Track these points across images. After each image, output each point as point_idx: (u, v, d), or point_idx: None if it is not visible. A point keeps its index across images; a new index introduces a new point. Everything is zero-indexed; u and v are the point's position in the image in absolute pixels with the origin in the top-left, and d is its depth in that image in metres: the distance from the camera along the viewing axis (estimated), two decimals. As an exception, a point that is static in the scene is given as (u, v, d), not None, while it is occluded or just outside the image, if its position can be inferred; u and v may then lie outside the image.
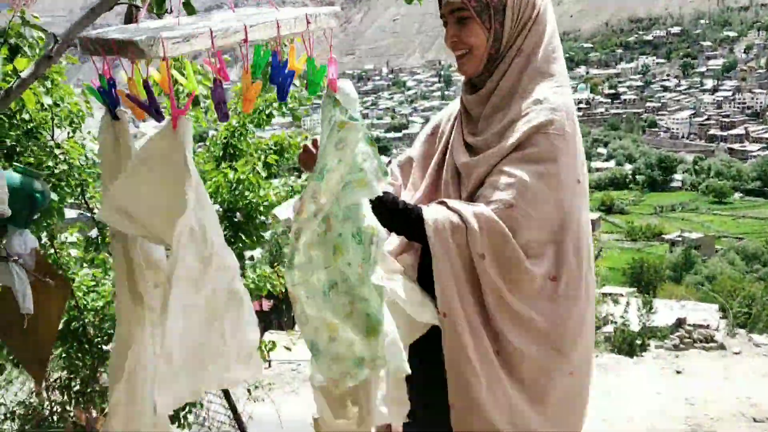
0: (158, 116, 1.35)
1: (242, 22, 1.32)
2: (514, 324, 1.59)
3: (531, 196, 1.58)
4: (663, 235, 62.17)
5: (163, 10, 2.89)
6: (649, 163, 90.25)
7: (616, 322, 14.52)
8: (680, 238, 56.46)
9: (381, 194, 1.50)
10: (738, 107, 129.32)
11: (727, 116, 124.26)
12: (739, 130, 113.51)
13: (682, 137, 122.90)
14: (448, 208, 1.63)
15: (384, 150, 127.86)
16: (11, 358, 3.70)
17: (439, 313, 1.61)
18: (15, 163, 2.66)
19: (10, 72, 2.45)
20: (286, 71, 1.41)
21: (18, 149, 3.35)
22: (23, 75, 2.37)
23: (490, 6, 1.64)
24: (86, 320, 3.99)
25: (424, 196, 1.82)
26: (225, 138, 4.27)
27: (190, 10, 2.97)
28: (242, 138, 4.28)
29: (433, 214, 1.62)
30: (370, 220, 1.46)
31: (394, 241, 1.79)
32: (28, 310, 2.26)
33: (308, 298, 1.48)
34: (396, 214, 1.64)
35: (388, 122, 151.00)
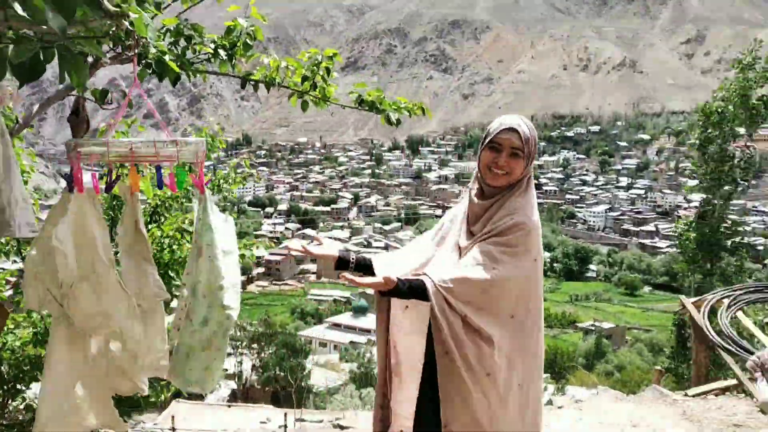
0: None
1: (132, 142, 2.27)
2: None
3: (496, 264, 2.44)
4: (577, 323, 63.89)
5: (106, 101, 3.62)
6: (567, 253, 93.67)
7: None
8: (593, 327, 58.02)
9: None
10: (649, 205, 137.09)
11: (640, 213, 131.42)
12: (650, 227, 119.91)
13: (598, 230, 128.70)
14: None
15: (311, 222, 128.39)
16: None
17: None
18: None
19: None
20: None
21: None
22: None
23: (530, 155, 2.57)
24: (2, 358, 4.44)
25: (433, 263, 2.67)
26: (154, 207, 5.03)
27: (129, 103, 3.71)
28: (169, 208, 5.05)
29: (430, 283, 2.43)
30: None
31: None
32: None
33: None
34: (411, 291, 2.43)
35: (318, 196, 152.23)
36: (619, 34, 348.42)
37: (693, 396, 5.42)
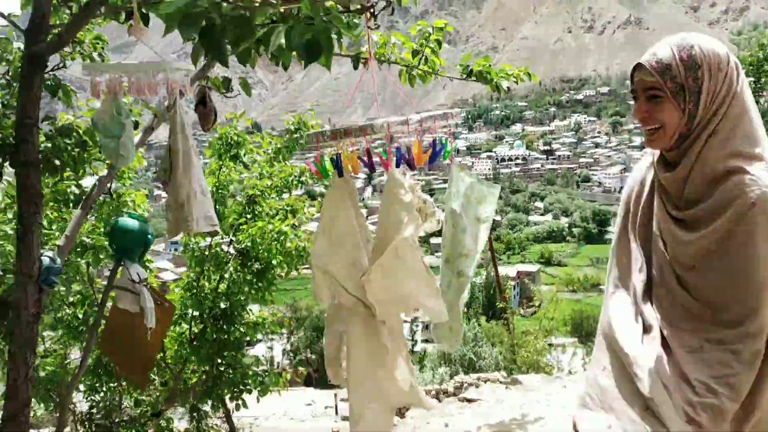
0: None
1: (413, 117, 2.27)
2: None
3: None
4: (600, 286, 63.92)
5: (230, 90, 3.59)
6: (585, 216, 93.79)
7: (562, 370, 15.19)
8: (617, 288, 58.09)
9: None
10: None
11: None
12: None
13: (614, 191, 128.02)
14: None
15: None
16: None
17: None
18: (130, 212, 3.28)
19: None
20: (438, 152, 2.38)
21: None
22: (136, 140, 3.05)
23: (685, 88, 1.66)
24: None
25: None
26: (249, 196, 5.02)
27: (247, 90, 3.68)
28: (263, 200, 5.05)
29: None
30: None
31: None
32: (152, 324, 2.86)
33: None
34: None
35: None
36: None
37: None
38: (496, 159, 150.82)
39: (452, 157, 2.43)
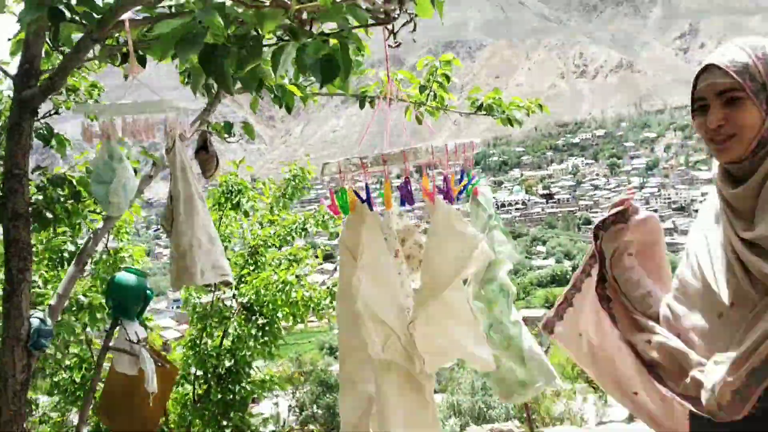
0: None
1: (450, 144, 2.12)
2: None
3: None
4: (608, 329, 63.28)
5: (232, 134, 3.43)
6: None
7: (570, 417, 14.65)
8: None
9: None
10: (664, 202, 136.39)
11: (655, 211, 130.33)
12: (668, 224, 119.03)
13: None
14: None
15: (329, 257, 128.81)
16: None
17: None
18: (128, 266, 3.07)
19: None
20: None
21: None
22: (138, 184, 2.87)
23: (767, 87, 1.52)
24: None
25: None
26: (251, 247, 4.82)
27: (250, 134, 3.52)
28: (265, 250, 4.86)
29: None
30: (505, 279, 2.04)
31: None
32: (153, 389, 2.61)
33: None
34: None
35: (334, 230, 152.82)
36: (613, 36, 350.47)
37: None
38: (496, 204, 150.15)
39: (476, 191, 2.23)
